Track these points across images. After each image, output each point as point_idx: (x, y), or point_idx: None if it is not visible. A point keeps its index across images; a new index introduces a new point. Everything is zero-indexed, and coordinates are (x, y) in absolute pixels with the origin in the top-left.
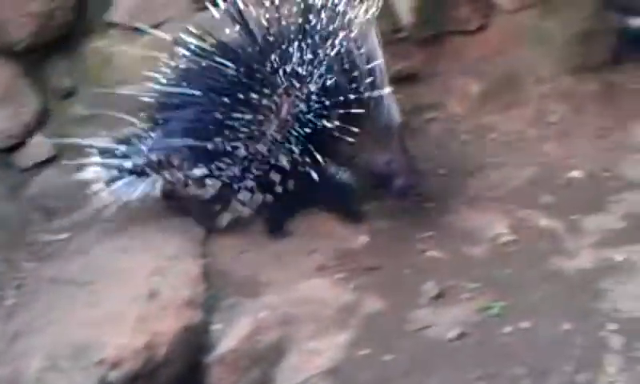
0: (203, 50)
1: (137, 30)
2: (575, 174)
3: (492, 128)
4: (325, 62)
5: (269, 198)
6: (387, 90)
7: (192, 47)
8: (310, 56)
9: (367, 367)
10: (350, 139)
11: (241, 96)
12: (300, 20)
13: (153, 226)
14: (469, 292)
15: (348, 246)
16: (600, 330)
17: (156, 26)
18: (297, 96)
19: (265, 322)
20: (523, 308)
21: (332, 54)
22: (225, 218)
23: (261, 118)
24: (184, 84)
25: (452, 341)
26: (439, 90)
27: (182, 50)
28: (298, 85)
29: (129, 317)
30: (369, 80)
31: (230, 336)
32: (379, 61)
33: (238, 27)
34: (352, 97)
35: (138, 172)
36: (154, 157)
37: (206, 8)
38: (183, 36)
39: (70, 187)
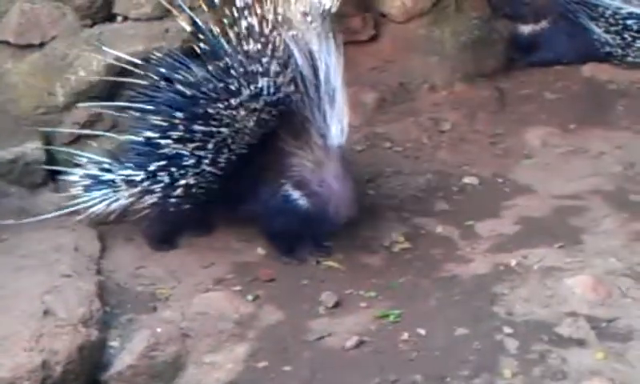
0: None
1: (25, 47)
2: (469, 180)
3: (387, 137)
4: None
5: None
6: (336, 103)
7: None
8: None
9: (266, 379)
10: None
11: (211, 111)
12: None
13: (46, 243)
14: (366, 300)
15: (245, 259)
16: (496, 334)
17: (44, 44)
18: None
19: (162, 337)
20: (419, 315)
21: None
22: None
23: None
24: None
25: (350, 349)
26: None
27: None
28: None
29: (23, 336)
30: (311, 91)
31: (128, 352)
32: (326, 69)
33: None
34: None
35: (115, 186)
36: (131, 172)
37: (92, 25)
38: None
39: None
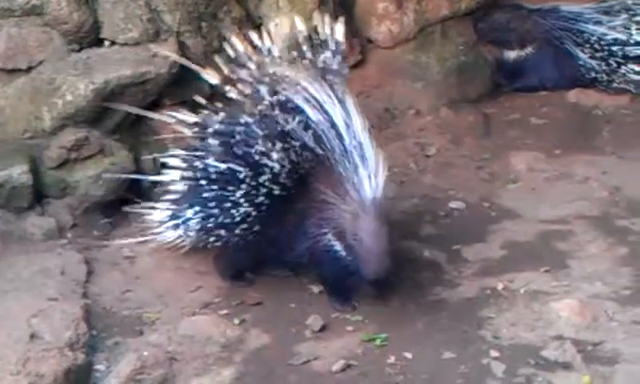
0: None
1: (12, 71)
2: (455, 205)
3: None
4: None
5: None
6: (366, 156)
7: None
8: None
9: None
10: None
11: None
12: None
13: (33, 267)
14: (352, 324)
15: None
16: (482, 358)
17: (32, 68)
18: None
19: (149, 360)
20: (406, 338)
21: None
22: None
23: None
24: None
25: (337, 373)
26: None
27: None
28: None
29: (10, 360)
30: (335, 143)
31: (114, 376)
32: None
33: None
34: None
35: (181, 227)
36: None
37: (80, 50)
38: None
39: None
